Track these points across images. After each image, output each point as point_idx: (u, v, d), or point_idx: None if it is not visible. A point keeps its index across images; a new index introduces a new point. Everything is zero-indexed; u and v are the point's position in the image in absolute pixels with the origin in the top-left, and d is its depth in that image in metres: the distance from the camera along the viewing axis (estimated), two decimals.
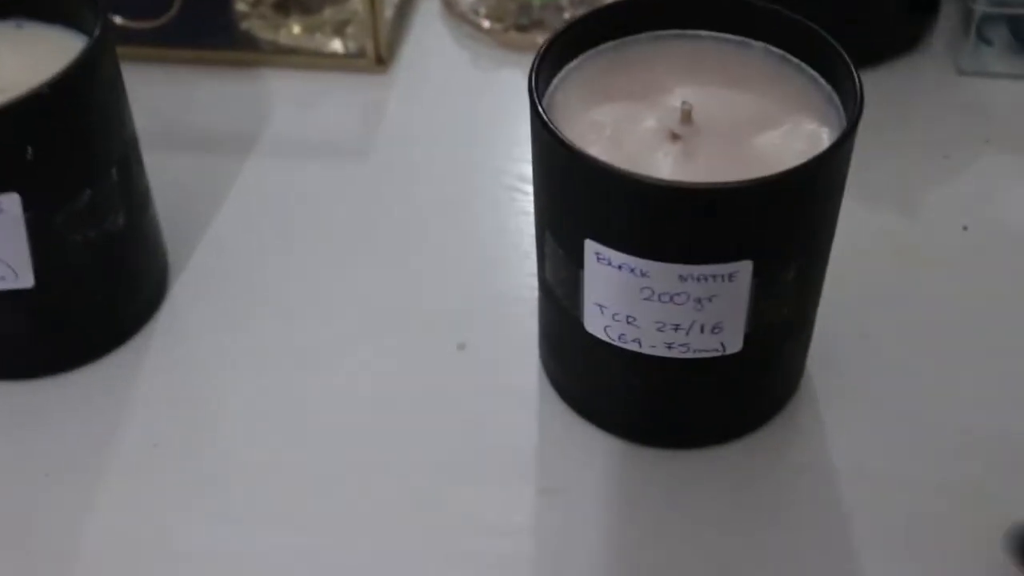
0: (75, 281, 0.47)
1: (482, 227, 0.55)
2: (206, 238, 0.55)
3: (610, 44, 0.45)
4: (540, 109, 0.40)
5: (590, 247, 0.40)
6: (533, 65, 0.42)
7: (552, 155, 0.40)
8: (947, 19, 0.64)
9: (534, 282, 0.47)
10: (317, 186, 0.57)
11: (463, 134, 0.60)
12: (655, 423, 0.46)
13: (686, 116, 0.42)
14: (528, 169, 0.57)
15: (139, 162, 0.49)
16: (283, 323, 0.51)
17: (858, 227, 0.51)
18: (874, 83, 0.61)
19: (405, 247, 0.54)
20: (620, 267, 0.40)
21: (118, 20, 0.61)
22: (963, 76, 0.62)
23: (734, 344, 0.42)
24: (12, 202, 0.44)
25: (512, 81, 0.62)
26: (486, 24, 0.64)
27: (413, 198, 0.57)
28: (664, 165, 0.41)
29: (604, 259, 0.40)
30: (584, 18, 0.44)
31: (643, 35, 0.45)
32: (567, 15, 0.64)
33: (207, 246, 0.54)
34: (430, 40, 0.65)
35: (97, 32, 0.45)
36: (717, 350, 0.42)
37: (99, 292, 0.48)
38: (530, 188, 0.56)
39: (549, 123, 0.40)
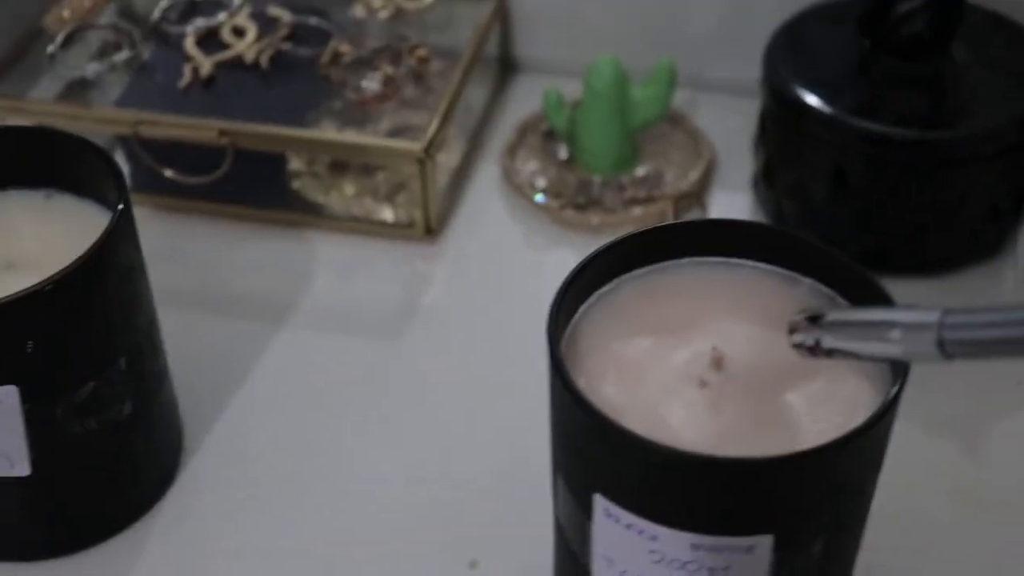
0: (73, 470, 0.45)
1: (514, 428, 0.52)
2: (226, 415, 0.52)
3: (648, 268, 0.42)
4: (555, 348, 0.37)
5: (599, 502, 0.37)
6: (557, 294, 0.39)
7: (562, 399, 0.37)
8: None
9: None
10: (348, 364, 0.55)
11: (507, 319, 0.57)
12: None
13: (716, 363, 0.39)
14: None
15: (154, 346, 0.47)
16: (293, 519, 0.49)
17: (911, 455, 0.47)
18: (950, 289, 0.58)
19: (434, 442, 0.51)
20: (629, 527, 0.37)
21: (168, 174, 0.60)
22: None
23: None
24: (9, 394, 0.42)
25: (564, 264, 0.59)
26: (540, 199, 0.61)
27: (448, 388, 0.54)
28: (686, 417, 0.38)
29: (613, 517, 0.37)
30: (621, 241, 0.42)
31: (684, 260, 0.43)
32: (627, 194, 0.61)
33: (226, 425, 0.52)
34: (485, 211, 0.62)
35: (114, 220, 0.43)
36: None
37: (98, 480, 0.46)
38: None
39: (561, 364, 0.37)
